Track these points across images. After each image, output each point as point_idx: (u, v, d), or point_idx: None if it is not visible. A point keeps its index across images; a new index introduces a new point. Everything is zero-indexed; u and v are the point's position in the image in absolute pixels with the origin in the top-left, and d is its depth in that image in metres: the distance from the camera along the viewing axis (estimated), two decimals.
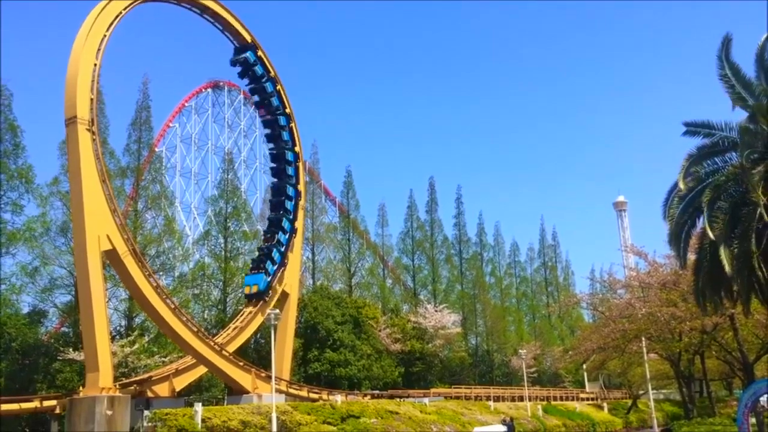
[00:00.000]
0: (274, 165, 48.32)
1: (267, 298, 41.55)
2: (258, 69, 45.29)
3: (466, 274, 76.82)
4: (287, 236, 44.63)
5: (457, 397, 52.15)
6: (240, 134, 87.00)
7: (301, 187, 47.32)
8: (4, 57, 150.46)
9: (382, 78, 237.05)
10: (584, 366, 66.78)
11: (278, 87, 46.89)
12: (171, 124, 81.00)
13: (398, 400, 44.21)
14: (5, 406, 31.90)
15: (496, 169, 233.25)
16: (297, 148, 47.60)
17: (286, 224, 45.00)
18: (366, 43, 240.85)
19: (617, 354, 52.09)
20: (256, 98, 48.53)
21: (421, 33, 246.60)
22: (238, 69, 45.38)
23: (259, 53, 45.66)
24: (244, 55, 44.49)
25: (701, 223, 22.44)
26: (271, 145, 48.38)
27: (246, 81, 46.71)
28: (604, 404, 67.08)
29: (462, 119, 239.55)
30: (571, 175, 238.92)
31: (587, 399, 69.70)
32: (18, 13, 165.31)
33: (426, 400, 45.28)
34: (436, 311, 63.55)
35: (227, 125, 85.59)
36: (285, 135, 47.12)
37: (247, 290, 41.70)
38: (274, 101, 46.71)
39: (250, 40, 44.93)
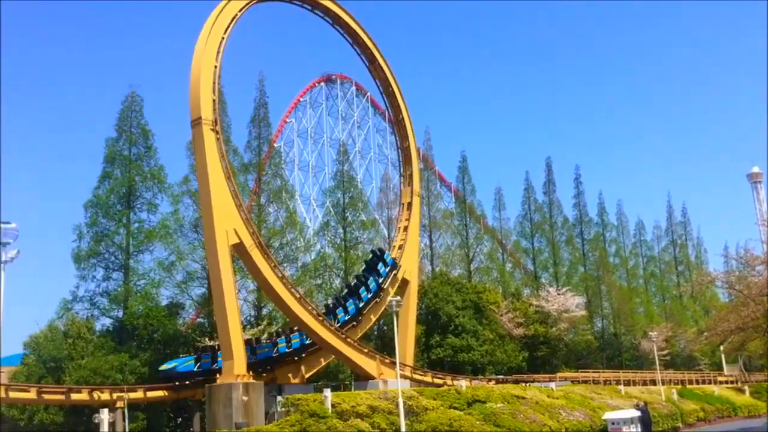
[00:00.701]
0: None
1: (179, 383, 35.03)
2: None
3: (588, 256, 74.74)
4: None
5: (585, 382, 50.84)
6: (354, 125, 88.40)
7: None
8: (137, 60, 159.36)
9: (494, 60, 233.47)
10: (721, 348, 63.27)
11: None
12: (288, 120, 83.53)
13: (523, 384, 43.63)
14: (151, 393, 34.18)
15: (615, 146, 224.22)
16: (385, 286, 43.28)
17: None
18: (478, 26, 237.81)
19: (758, 334, 48.96)
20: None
21: (537, 12, 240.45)
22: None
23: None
24: None
25: None
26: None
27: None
28: (745, 387, 63.23)
29: (576, 97, 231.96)
30: (698, 147, 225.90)
31: (726, 382, 66.01)
32: (144, 15, 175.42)
33: (552, 385, 44.39)
34: (558, 294, 62.19)
35: (341, 117, 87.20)
36: (382, 269, 43.26)
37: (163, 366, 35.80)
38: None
39: (361, 33, 45.26)
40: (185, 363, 34.42)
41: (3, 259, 19.97)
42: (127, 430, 31.07)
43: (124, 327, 42.11)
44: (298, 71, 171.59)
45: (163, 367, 35.33)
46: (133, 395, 32.63)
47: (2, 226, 20.03)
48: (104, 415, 24.40)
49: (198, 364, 34.15)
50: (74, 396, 31.37)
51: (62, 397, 31.43)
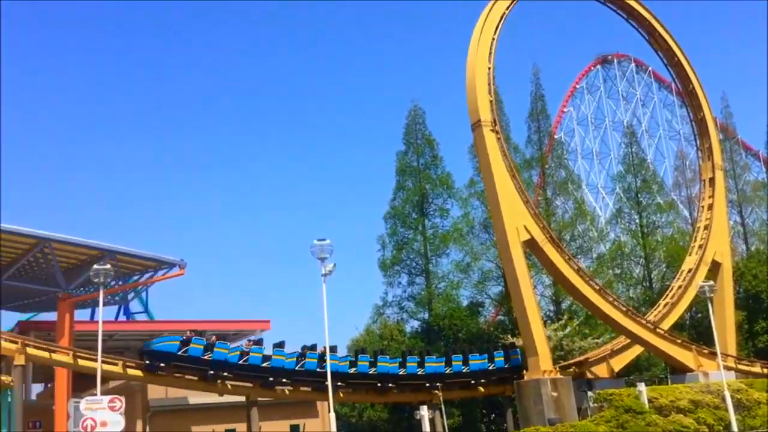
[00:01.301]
0: None
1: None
2: None
3: None
4: None
5: None
6: (637, 104, 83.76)
7: None
8: (415, 69, 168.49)
9: None
10: None
11: None
12: (565, 109, 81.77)
13: None
14: (460, 393, 35.59)
15: None
16: None
17: None
18: None
19: None
20: None
21: None
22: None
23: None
24: None
25: None
26: None
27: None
28: None
29: None
30: None
31: None
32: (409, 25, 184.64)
33: None
34: None
35: (622, 98, 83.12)
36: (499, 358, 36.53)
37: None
38: None
39: (636, 5, 42.68)
40: (167, 342, 30.56)
41: (323, 272, 22.50)
42: (445, 425, 32.70)
43: (431, 328, 44.61)
44: (570, 58, 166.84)
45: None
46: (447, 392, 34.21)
47: (320, 243, 22.61)
48: (424, 412, 25.99)
49: (185, 348, 29.94)
50: (394, 394, 33.96)
51: (383, 396, 34.17)
